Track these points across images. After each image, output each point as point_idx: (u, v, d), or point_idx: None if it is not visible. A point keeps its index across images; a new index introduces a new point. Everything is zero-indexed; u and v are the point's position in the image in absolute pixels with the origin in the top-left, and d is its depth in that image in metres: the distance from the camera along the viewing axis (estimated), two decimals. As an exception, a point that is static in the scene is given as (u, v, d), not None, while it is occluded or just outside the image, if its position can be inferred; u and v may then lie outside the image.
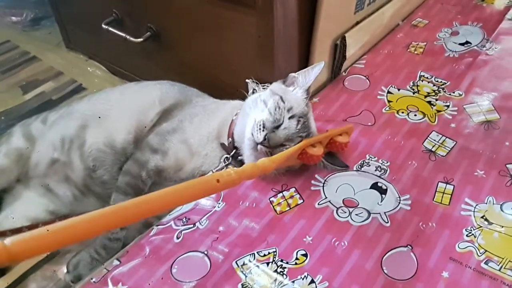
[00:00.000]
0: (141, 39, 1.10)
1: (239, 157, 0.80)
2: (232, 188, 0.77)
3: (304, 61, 0.95)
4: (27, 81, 1.34)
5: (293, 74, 0.83)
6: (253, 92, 0.88)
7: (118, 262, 0.68)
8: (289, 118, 0.75)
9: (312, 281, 0.63)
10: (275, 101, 0.76)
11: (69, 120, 0.91)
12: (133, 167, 0.82)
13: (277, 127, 0.74)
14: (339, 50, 0.98)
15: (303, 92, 0.80)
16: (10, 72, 1.39)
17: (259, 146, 0.73)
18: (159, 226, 0.73)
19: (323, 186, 0.77)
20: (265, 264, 0.66)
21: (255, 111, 0.77)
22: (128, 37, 1.11)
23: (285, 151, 0.72)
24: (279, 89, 0.81)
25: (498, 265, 0.65)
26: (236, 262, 0.66)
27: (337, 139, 0.79)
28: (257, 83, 0.90)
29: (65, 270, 0.79)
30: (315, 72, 0.81)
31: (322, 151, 0.76)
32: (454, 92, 0.96)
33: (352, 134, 0.86)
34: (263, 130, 0.73)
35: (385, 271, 0.64)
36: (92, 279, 0.66)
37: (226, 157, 0.80)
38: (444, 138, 0.86)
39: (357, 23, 1.03)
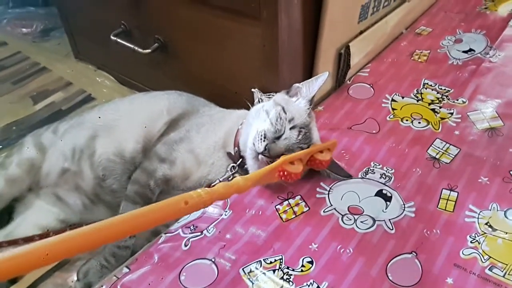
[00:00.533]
0: (149, 50, 1.12)
1: (245, 166, 0.81)
2: (239, 195, 0.79)
3: (309, 71, 0.97)
4: (37, 91, 1.37)
5: (297, 84, 0.84)
6: (258, 101, 0.90)
7: (127, 270, 0.69)
8: (290, 128, 0.76)
9: (318, 288, 0.64)
10: (277, 112, 0.77)
11: (79, 130, 0.93)
12: (142, 176, 0.83)
13: (278, 137, 0.75)
14: (343, 59, 0.99)
15: (306, 103, 0.81)
16: (21, 83, 1.42)
17: (260, 156, 0.74)
18: (167, 234, 0.75)
19: (328, 194, 0.78)
20: (272, 271, 0.67)
21: (258, 121, 0.78)
22: (136, 48, 1.14)
23: (261, 169, 0.72)
24: (282, 99, 0.82)
25: (502, 272, 0.65)
26: (243, 269, 0.67)
27: (317, 156, 0.77)
28: (262, 92, 0.92)
29: (75, 278, 0.81)
30: (319, 83, 0.82)
31: (301, 168, 0.73)
32: (458, 100, 0.97)
33: (357, 141, 0.87)
34: (264, 140, 0.74)
35: (390, 277, 0.65)
36: (102, 286, 0.67)
37: (233, 166, 0.82)
38: (448, 145, 0.86)
39: (361, 32, 1.04)
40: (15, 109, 1.30)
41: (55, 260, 0.52)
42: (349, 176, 0.81)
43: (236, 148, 0.82)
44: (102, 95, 1.33)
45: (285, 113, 0.77)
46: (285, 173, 0.72)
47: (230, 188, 0.66)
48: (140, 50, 1.13)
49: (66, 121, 0.99)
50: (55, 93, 1.36)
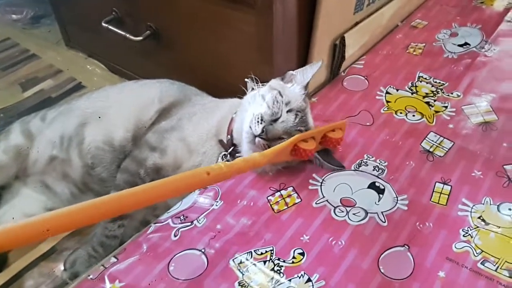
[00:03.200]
0: (141, 38, 1.10)
1: (236, 154, 0.80)
2: (227, 184, 0.78)
3: (303, 61, 0.96)
4: (26, 78, 1.34)
5: (291, 71, 0.84)
6: (252, 91, 0.88)
7: (115, 260, 0.68)
8: (287, 111, 0.76)
9: (309, 280, 0.63)
10: (273, 95, 0.77)
11: (68, 117, 0.91)
12: (131, 164, 0.82)
13: (275, 120, 0.74)
14: (338, 50, 0.98)
15: (301, 89, 0.81)
16: (9, 69, 1.39)
17: (257, 139, 0.74)
18: (156, 224, 0.73)
19: (320, 186, 0.78)
20: (262, 263, 0.66)
21: (254, 105, 0.78)
22: (128, 35, 1.11)
23: (276, 145, 0.72)
24: (278, 85, 0.82)
25: (495, 265, 0.65)
26: (233, 260, 0.66)
27: (330, 134, 0.78)
28: (256, 81, 0.90)
29: (62, 268, 0.79)
30: (313, 70, 0.82)
31: (314, 145, 0.75)
32: (452, 93, 0.96)
33: (350, 133, 0.86)
34: (261, 123, 0.73)
35: (382, 270, 0.65)
36: (89, 276, 0.66)
37: (224, 154, 0.81)
38: (442, 138, 0.86)
39: (357, 23, 1.03)
40: (3, 96, 1.27)
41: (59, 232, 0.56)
42: (342, 167, 0.80)
43: (229, 136, 0.81)
44: (93, 83, 1.30)
45: (282, 96, 0.76)
46: (300, 150, 0.74)
47: (247, 162, 0.67)
48: (131, 37, 1.11)
49: (54, 109, 0.97)
50: (44, 80, 1.34)
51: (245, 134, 0.76)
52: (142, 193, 0.57)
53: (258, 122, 0.74)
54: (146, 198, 0.58)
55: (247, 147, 0.77)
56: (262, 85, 0.87)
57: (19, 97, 1.27)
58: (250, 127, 0.74)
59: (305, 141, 0.75)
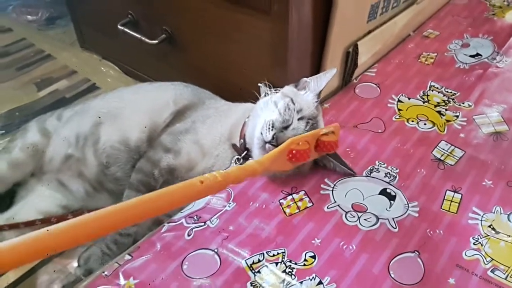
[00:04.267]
0: (156, 41, 1.11)
1: (250, 158, 0.81)
2: (240, 186, 0.79)
3: (316, 68, 0.97)
4: (41, 78, 1.36)
5: (305, 78, 0.85)
6: (265, 96, 0.90)
7: (129, 257, 0.69)
8: (298, 119, 0.77)
9: (320, 283, 0.64)
10: (286, 103, 0.77)
11: (83, 117, 0.93)
12: (146, 165, 0.83)
13: (286, 127, 0.75)
14: (351, 57, 0.99)
15: (314, 96, 0.82)
16: (25, 69, 1.41)
17: (267, 145, 0.74)
18: (170, 224, 0.74)
19: (332, 191, 0.78)
20: (274, 264, 0.67)
21: (266, 112, 0.79)
22: (143, 38, 1.13)
23: (271, 151, 0.72)
24: (291, 92, 0.83)
25: (505, 274, 0.65)
26: (245, 261, 0.67)
27: (323, 138, 0.76)
28: (269, 87, 0.92)
29: (76, 264, 0.80)
30: (327, 77, 0.83)
31: (308, 146, 0.74)
32: (464, 103, 0.97)
33: (362, 140, 0.87)
34: (272, 130, 0.74)
35: (392, 275, 0.65)
36: (103, 272, 0.67)
37: (237, 158, 0.82)
38: (453, 147, 0.87)
39: (370, 32, 1.04)
40: (19, 96, 1.29)
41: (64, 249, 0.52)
42: (354, 173, 0.80)
43: (241, 140, 0.82)
44: (107, 85, 1.32)
45: (294, 104, 0.77)
46: (294, 152, 0.72)
47: (244, 171, 0.66)
48: (147, 40, 1.13)
49: (70, 108, 0.99)
50: (59, 81, 1.36)
51: (256, 140, 0.76)
52: (134, 208, 0.54)
53: (269, 128, 0.74)
54: (138, 213, 0.55)
55: (258, 153, 0.77)
56: (275, 90, 0.88)
57: (34, 96, 1.29)
58: (261, 133, 0.75)
59: (298, 144, 0.73)
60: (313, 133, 0.76)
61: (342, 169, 0.80)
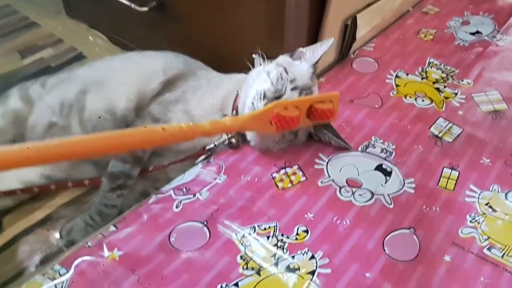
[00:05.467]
0: (146, 9, 1.06)
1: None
2: (231, 159, 0.76)
3: (313, 40, 0.93)
4: (25, 46, 1.30)
5: (301, 48, 0.81)
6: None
7: (114, 228, 0.66)
8: (292, 89, 0.74)
9: (313, 257, 0.62)
10: (279, 72, 0.75)
11: (69, 84, 0.89)
12: (133, 135, 0.80)
13: (279, 97, 0.72)
14: (349, 30, 0.96)
15: (309, 67, 0.79)
16: (8, 36, 1.35)
17: None
18: (158, 195, 0.71)
19: (326, 165, 0.76)
20: (265, 238, 0.64)
21: (258, 81, 0.76)
22: (133, 6, 1.08)
23: (251, 112, 0.70)
24: (285, 61, 0.80)
25: (501, 252, 0.64)
26: (236, 234, 0.65)
27: (318, 106, 0.72)
28: (263, 58, 0.88)
29: (58, 236, 0.77)
30: (324, 48, 0.79)
31: (297, 113, 0.70)
32: (462, 80, 0.95)
33: (358, 114, 0.85)
34: (263, 99, 0.72)
35: (387, 251, 0.63)
36: (87, 243, 0.64)
37: (229, 130, 0.79)
38: (451, 124, 0.84)
39: (369, 5, 1.01)
40: (2, 63, 1.23)
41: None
42: (349, 146, 0.78)
43: (234, 111, 0.79)
44: (94, 54, 1.27)
45: (287, 73, 0.74)
46: (280, 117, 0.68)
47: (216, 125, 0.65)
48: (137, 8, 1.07)
49: (55, 76, 0.94)
50: (44, 49, 1.30)
51: (247, 110, 0.74)
52: (95, 141, 0.56)
53: (260, 98, 0.72)
54: (98, 147, 0.56)
55: None
56: (270, 61, 0.85)
57: (17, 64, 1.24)
58: (253, 103, 0.73)
59: (285, 109, 0.69)
60: (305, 99, 0.73)
61: (337, 142, 0.77)
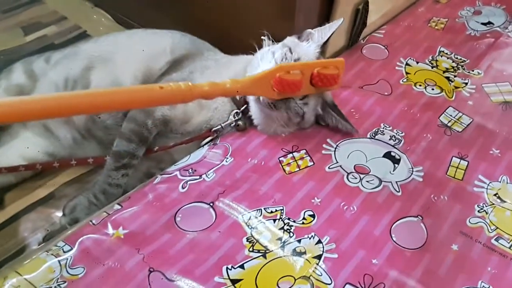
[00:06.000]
0: (153, -13, 1.04)
1: (249, 113, 0.77)
2: (238, 142, 0.75)
3: (324, 23, 0.91)
4: (29, 23, 1.28)
5: (309, 30, 0.80)
6: (268, 48, 0.85)
7: (119, 207, 0.65)
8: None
9: (319, 242, 0.62)
10: (283, 52, 0.73)
11: (73, 60, 0.87)
12: (139, 114, 0.78)
13: None
14: (360, 15, 0.94)
15: (316, 47, 0.77)
16: (11, 12, 1.32)
17: (261, 97, 0.71)
18: (163, 175, 0.71)
19: (334, 151, 0.75)
20: (272, 221, 0.64)
21: (263, 62, 0.74)
22: (139, -17, 1.06)
23: (253, 74, 0.69)
24: (291, 42, 0.78)
25: (509, 243, 0.64)
26: (242, 216, 0.64)
27: (323, 71, 0.70)
28: (273, 40, 0.87)
29: (60, 214, 0.76)
30: (332, 28, 0.78)
31: (300, 77, 0.68)
32: (473, 71, 0.93)
33: (368, 101, 0.84)
34: None
35: (394, 239, 0.63)
36: (91, 221, 0.63)
37: (236, 112, 0.77)
38: (460, 114, 0.83)
39: (381, -10, 0.99)
40: (4, 39, 1.21)
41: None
42: (356, 131, 0.77)
43: (242, 93, 0.77)
44: (98, 33, 1.25)
45: (291, 53, 0.73)
46: (283, 81, 0.66)
47: (215, 86, 0.63)
48: (143, -14, 1.05)
49: (60, 51, 0.92)
50: (48, 26, 1.28)
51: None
52: (96, 96, 0.56)
53: None
54: (99, 102, 0.56)
55: (254, 105, 0.75)
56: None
57: (20, 40, 1.22)
58: None
59: (288, 73, 0.68)
60: (309, 63, 0.71)
61: (344, 125, 0.76)
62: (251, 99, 0.75)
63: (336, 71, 0.72)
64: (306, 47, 0.77)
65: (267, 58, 0.74)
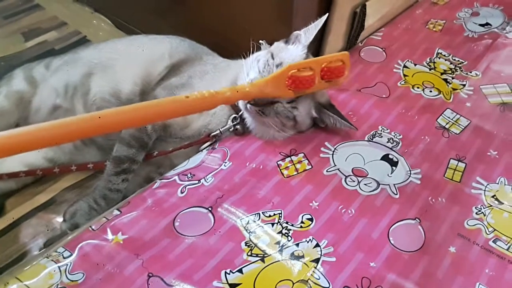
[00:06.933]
0: (152, -8, 1.05)
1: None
2: (236, 146, 0.75)
3: (322, 27, 0.91)
4: (29, 28, 1.29)
5: (297, 32, 0.79)
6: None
7: (118, 212, 0.66)
8: None
9: (317, 245, 0.62)
10: (265, 59, 0.74)
11: (73, 67, 0.88)
12: (138, 119, 0.79)
13: None
14: (357, 18, 0.94)
15: (302, 48, 0.77)
16: (12, 18, 1.33)
17: (248, 105, 0.72)
18: (162, 180, 0.71)
19: (332, 154, 0.75)
20: (270, 225, 0.64)
21: (251, 70, 0.75)
22: (138, -11, 1.07)
23: (268, 76, 0.70)
24: (276, 47, 0.79)
25: (506, 245, 0.64)
26: (240, 220, 0.64)
27: (330, 65, 0.72)
28: (270, 45, 0.87)
29: (61, 219, 0.77)
30: (317, 26, 0.77)
31: (312, 72, 0.71)
32: (471, 72, 0.93)
33: (366, 104, 0.84)
34: None
35: (392, 241, 0.63)
36: (91, 227, 0.64)
37: (235, 117, 0.78)
38: (458, 116, 0.84)
39: (378, -7, 0.99)
40: (5, 44, 1.22)
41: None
42: (355, 128, 0.77)
43: (240, 97, 0.78)
44: (98, 39, 1.26)
45: (273, 59, 0.74)
46: (297, 79, 0.69)
47: (235, 91, 0.66)
48: (142, -9, 1.06)
49: (60, 57, 0.93)
50: (48, 32, 1.28)
51: (240, 102, 0.74)
52: (125, 113, 0.58)
53: None
54: (127, 119, 0.58)
55: (245, 113, 0.76)
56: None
57: (21, 46, 1.23)
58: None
59: (299, 71, 0.70)
60: (317, 59, 0.73)
61: (342, 124, 0.76)
62: (241, 108, 0.75)
63: (342, 63, 0.74)
64: (291, 50, 0.77)
65: (254, 66, 0.75)
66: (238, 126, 0.78)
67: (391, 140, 0.78)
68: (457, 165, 0.75)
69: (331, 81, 0.74)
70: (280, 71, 0.69)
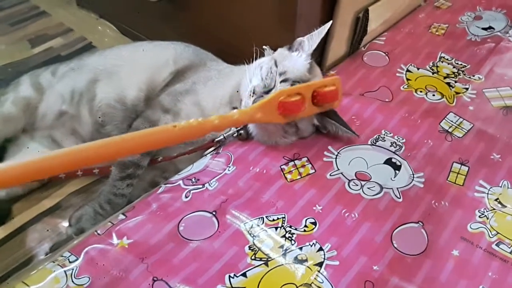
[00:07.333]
0: (157, -1, 1.06)
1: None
2: (240, 150, 0.76)
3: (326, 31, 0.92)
4: (35, 35, 1.31)
5: (300, 38, 0.79)
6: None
7: (123, 217, 0.66)
8: (282, 81, 0.73)
9: (321, 249, 0.62)
10: (269, 66, 0.75)
11: (79, 73, 0.89)
12: (143, 125, 0.80)
13: (268, 92, 0.72)
14: (360, 23, 0.95)
15: (306, 57, 0.77)
16: (18, 25, 1.35)
17: None
18: (167, 185, 0.72)
19: (335, 158, 0.76)
20: (274, 229, 0.65)
21: (254, 76, 0.76)
22: (143, -5, 1.08)
23: (257, 102, 0.70)
24: (279, 54, 0.79)
25: (510, 248, 0.64)
26: (244, 224, 0.65)
27: (321, 89, 0.71)
28: (274, 51, 0.88)
29: (67, 224, 0.78)
30: (321, 33, 0.77)
31: (299, 98, 0.70)
32: (474, 76, 0.94)
33: (369, 108, 0.84)
34: (252, 96, 0.72)
35: (395, 245, 0.63)
36: (96, 231, 0.65)
37: (238, 122, 0.78)
38: (461, 120, 0.84)
39: (381, -2, 1.00)
40: (12, 51, 1.24)
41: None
42: (357, 135, 0.77)
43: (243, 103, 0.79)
44: (104, 45, 1.27)
45: (276, 66, 0.74)
46: (287, 104, 0.69)
47: (224, 119, 0.65)
48: (147, -2, 1.07)
49: (65, 64, 0.94)
50: (54, 38, 1.30)
51: (242, 107, 0.74)
52: (110, 145, 0.57)
53: (250, 95, 0.73)
54: (114, 151, 0.58)
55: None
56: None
57: (27, 53, 1.24)
58: (244, 100, 0.73)
59: (290, 96, 0.69)
60: (307, 84, 0.72)
61: (344, 131, 0.76)
62: None
63: (334, 88, 0.73)
64: (295, 58, 0.77)
65: (256, 72, 0.76)
66: (241, 131, 0.79)
67: (394, 144, 0.78)
68: (460, 169, 0.75)
69: (323, 105, 0.73)
70: (270, 98, 0.69)
